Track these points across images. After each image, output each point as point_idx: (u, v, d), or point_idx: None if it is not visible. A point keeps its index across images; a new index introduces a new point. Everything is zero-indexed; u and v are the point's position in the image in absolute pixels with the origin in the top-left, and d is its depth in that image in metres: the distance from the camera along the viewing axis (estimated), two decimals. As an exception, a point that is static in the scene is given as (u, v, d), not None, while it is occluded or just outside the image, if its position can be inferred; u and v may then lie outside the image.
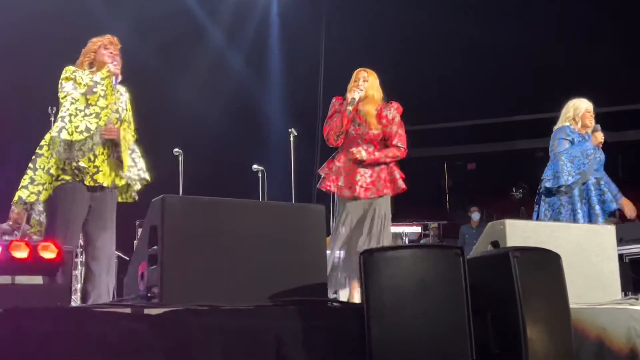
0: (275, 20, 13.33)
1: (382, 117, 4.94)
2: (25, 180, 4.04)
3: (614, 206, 5.36)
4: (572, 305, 3.24)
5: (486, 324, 3.03)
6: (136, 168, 4.28)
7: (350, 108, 4.83)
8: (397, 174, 4.95)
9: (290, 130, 7.86)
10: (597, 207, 5.27)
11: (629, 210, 5.50)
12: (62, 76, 4.13)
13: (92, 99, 4.03)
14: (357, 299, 4.48)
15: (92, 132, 3.98)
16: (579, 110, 5.55)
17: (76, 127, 3.94)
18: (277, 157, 8.20)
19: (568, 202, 5.33)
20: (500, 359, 2.99)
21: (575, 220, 5.20)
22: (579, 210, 5.26)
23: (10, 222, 8.26)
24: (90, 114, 4.00)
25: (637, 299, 4.41)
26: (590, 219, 5.25)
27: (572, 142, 5.44)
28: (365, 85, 4.94)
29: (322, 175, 5.00)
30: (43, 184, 3.98)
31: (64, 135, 3.91)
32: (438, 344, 2.85)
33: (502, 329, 3.03)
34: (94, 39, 4.36)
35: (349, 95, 4.89)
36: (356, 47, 13.96)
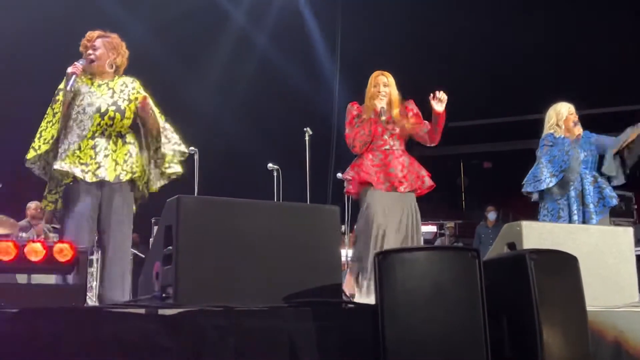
0: (289, 22, 13.32)
1: (409, 112, 5.05)
2: (46, 190, 4.13)
3: (614, 202, 5.33)
4: (589, 308, 3.21)
5: (502, 327, 3.01)
6: (170, 144, 4.28)
7: (384, 118, 4.89)
8: (424, 172, 5.01)
9: (305, 129, 7.85)
10: (591, 207, 5.25)
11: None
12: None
13: (57, 106, 4.06)
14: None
15: (54, 137, 4.04)
16: (560, 115, 5.54)
17: (44, 140, 4.00)
18: (292, 156, 8.18)
19: (566, 205, 5.30)
20: (516, 363, 2.98)
21: (571, 222, 5.19)
22: (575, 212, 5.24)
23: (28, 219, 8.33)
24: (55, 122, 4.08)
25: (655, 301, 4.38)
26: (585, 218, 5.22)
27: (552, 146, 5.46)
28: (387, 90, 4.97)
29: (349, 178, 4.96)
30: (59, 193, 4.02)
31: (30, 155, 4.03)
32: (453, 347, 2.83)
33: (518, 333, 3.01)
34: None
35: (378, 104, 4.93)
36: (371, 47, 13.98)
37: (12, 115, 9.89)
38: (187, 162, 7.27)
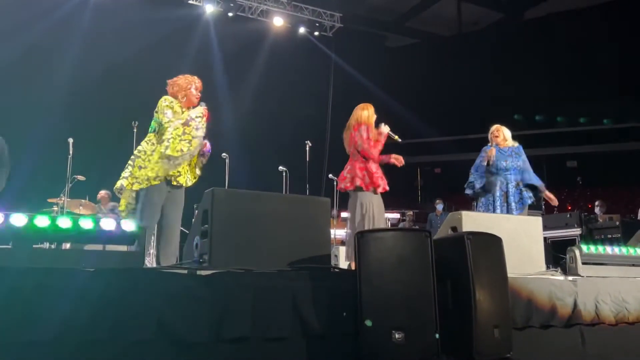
0: (295, 66, 13.33)
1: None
2: (126, 173, 3.97)
3: (529, 201, 5.26)
4: (509, 275, 3.21)
5: (446, 288, 2.99)
6: None
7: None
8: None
9: (306, 142, 7.88)
10: (513, 205, 5.18)
11: (552, 200, 5.41)
12: (164, 104, 3.96)
13: (187, 129, 3.95)
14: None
15: (184, 152, 3.89)
16: (490, 134, 5.50)
17: (175, 148, 3.88)
18: (296, 161, 8.15)
19: (492, 202, 5.26)
20: (456, 314, 2.95)
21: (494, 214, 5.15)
22: (498, 207, 5.19)
23: (100, 200, 8.14)
24: (184, 140, 3.90)
25: (556, 270, 4.37)
26: (507, 212, 5.18)
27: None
28: None
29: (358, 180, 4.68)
30: (137, 178, 3.91)
31: (169, 152, 3.84)
32: (411, 302, 2.82)
33: (458, 292, 2.99)
34: (187, 77, 4.16)
35: (384, 129, 4.80)
36: (354, 85, 14.02)
37: (94, 127, 9.83)
38: (220, 163, 7.31)
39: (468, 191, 5.43)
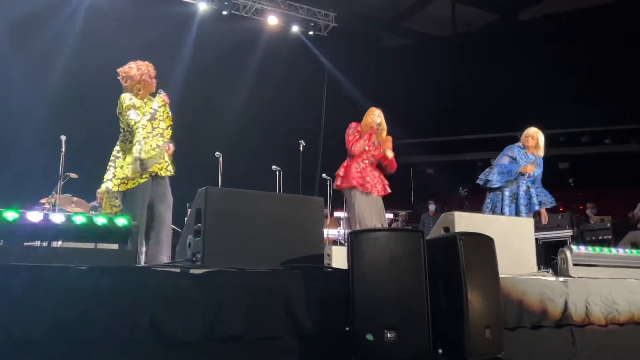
0: (289, 64, 13.28)
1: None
2: (109, 175, 3.90)
3: (535, 208, 5.29)
4: (501, 276, 3.22)
5: (438, 288, 3.01)
6: None
7: (383, 132, 4.94)
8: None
9: (300, 141, 7.87)
10: (522, 208, 5.22)
11: (544, 218, 5.45)
12: (124, 105, 3.87)
13: (155, 122, 3.91)
14: None
15: (160, 147, 3.88)
16: (524, 135, 5.48)
17: (151, 146, 3.84)
18: (290, 160, 8.14)
19: (500, 200, 5.30)
20: (448, 315, 2.97)
21: (503, 214, 5.17)
22: (506, 208, 5.23)
23: (97, 200, 8.16)
24: (156, 135, 3.88)
25: (547, 271, 4.39)
26: (516, 212, 5.22)
27: (514, 159, 5.37)
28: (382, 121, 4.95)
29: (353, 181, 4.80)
30: (121, 179, 3.87)
31: (142, 155, 3.80)
32: (403, 302, 2.83)
33: (450, 292, 3.00)
34: (140, 67, 4.00)
35: (375, 123, 4.87)
36: (348, 84, 14.02)
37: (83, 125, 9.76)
38: (214, 162, 7.28)
39: (481, 182, 5.42)
